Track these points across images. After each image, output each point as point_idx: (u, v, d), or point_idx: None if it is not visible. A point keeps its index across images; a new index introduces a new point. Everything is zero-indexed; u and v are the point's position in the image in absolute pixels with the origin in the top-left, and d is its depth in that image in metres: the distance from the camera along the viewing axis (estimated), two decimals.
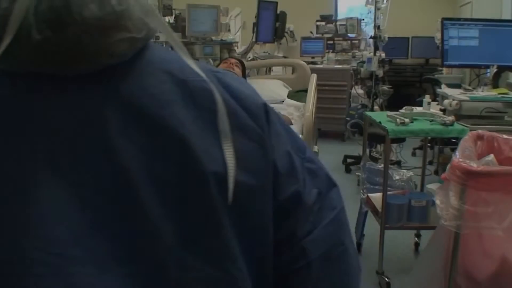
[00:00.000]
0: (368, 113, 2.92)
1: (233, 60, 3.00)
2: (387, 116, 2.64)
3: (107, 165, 0.46)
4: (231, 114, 0.53)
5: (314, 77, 2.74)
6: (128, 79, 0.49)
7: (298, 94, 2.50)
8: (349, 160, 4.89)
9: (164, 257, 0.47)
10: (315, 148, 2.73)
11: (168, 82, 0.51)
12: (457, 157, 1.78)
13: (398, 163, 4.61)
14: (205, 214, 0.50)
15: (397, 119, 2.49)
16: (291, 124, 2.56)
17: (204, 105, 0.51)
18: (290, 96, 3.03)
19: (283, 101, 2.98)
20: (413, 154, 5.15)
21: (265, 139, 0.55)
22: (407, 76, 7.12)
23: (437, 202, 1.81)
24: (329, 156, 5.44)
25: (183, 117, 0.49)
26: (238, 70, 2.92)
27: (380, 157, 4.54)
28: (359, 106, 4.79)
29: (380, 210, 2.59)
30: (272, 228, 0.56)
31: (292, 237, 0.58)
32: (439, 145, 4.18)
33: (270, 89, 3.07)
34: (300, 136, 2.32)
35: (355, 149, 4.97)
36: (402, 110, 2.64)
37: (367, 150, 4.65)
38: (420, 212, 2.52)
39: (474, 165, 1.69)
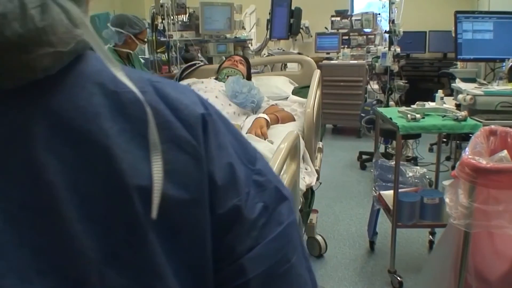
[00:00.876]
0: (380, 109, 2.86)
1: (237, 58, 2.97)
2: (398, 111, 2.59)
3: (32, 181, 0.45)
4: (164, 125, 0.51)
5: (317, 72, 2.69)
6: (56, 93, 0.48)
7: (303, 90, 2.46)
8: (364, 157, 4.83)
9: (87, 273, 0.46)
10: (320, 145, 2.69)
11: (98, 94, 0.49)
12: (467, 154, 1.73)
13: (414, 159, 4.54)
14: (129, 230, 0.48)
15: (408, 115, 2.44)
16: (294, 120, 2.52)
17: (135, 117, 0.50)
18: (295, 92, 2.99)
19: (287, 98, 2.94)
20: (430, 150, 5.07)
21: (200, 150, 0.53)
22: (424, 70, 7.01)
23: (447, 200, 1.77)
24: (344, 153, 5.40)
25: (109, 130, 0.48)
26: (242, 67, 2.89)
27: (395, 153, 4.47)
28: (374, 102, 4.73)
29: (392, 208, 2.55)
30: (210, 243, 0.54)
31: (232, 253, 0.55)
32: (456, 141, 4.10)
33: (275, 86, 3.03)
34: (299, 131, 2.28)
35: (371, 145, 4.91)
36: (414, 106, 2.59)
37: (383, 147, 4.62)
38: (433, 209, 2.47)
39: (483, 162, 1.64)
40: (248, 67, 2.96)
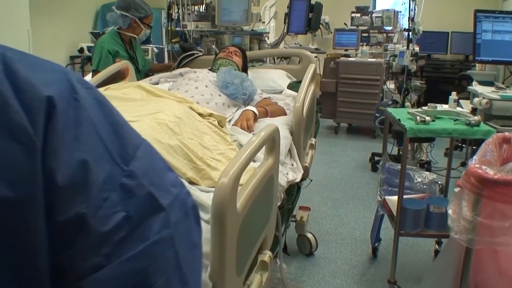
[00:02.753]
0: (390, 109, 2.73)
1: (232, 49, 2.88)
2: (408, 113, 2.45)
3: None
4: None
5: (312, 67, 2.60)
6: None
7: (299, 85, 2.37)
8: (376, 158, 4.68)
9: None
10: (312, 141, 2.61)
11: None
12: (474, 162, 1.60)
13: (428, 164, 4.38)
14: None
15: (418, 117, 2.31)
16: (285, 114, 2.43)
17: None
18: (290, 86, 2.89)
19: (282, 92, 2.84)
20: (446, 154, 4.88)
21: (36, 141, 0.43)
22: (445, 72, 6.81)
23: (449, 211, 1.64)
24: (356, 153, 5.26)
25: None
26: (237, 59, 2.80)
27: (408, 156, 4.31)
28: (390, 102, 4.58)
29: (395, 214, 2.42)
30: (45, 256, 0.44)
31: (72, 272, 0.45)
32: (472, 146, 3.93)
33: (271, 79, 2.94)
34: (287, 128, 2.19)
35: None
36: (425, 108, 2.45)
37: (396, 149, 4.46)
38: (439, 219, 2.33)
39: (491, 172, 1.51)
40: (244, 58, 2.87)
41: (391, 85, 4.87)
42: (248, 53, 3.16)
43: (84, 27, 6.67)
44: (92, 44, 6.24)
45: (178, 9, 5.02)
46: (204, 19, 5.16)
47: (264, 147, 1.53)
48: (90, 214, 0.46)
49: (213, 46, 4.88)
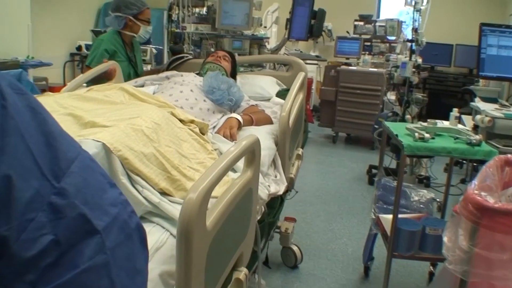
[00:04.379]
0: (388, 123, 2.60)
1: (221, 53, 2.76)
2: (407, 128, 2.33)
3: None
4: None
5: (301, 75, 2.50)
6: None
7: (288, 92, 2.27)
8: (374, 171, 4.55)
9: None
10: (299, 151, 2.50)
11: None
12: (473, 187, 1.46)
13: (427, 179, 4.25)
14: None
15: (416, 134, 2.18)
16: (271, 123, 2.33)
17: None
18: (279, 94, 2.78)
19: (270, 99, 2.73)
20: (446, 169, 4.75)
21: None
22: (448, 85, 6.67)
23: (445, 239, 1.51)
24: (354, 165, 5.13)
25: None
26: (226, 64, 2.69)
27: (406, 171, 4.18)
28: (390, 114, 4.45)
29: (389, 235, 2.29)
30: None
31: None
32: (473, 163, 3.79)
33: (259, 86, 2.83)
34: (272, 137, 2.08)
35: (384, 159, 4.64)
36: (424, 123, 2.32)
37: (396, 163, 4.33)
38: (435, 241, 2.20)
39: (491, 201, 1.38)
40: (233, 63, 2.76)
41: (392, 96, 4.75)
42: (238, 58, 3.05)
43: (85, 25, 6.57)
44: (91, 43, 6.16)
45: (179, 10, 4.93)
46: (205, 22, 5.07)
47: (243, 158, 1.42)
48: (12, 238, 0.40)
49: (212, 49, 4.78)
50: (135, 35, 3.11)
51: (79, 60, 6.18)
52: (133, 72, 3.11)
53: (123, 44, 3.10)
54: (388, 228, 2.34)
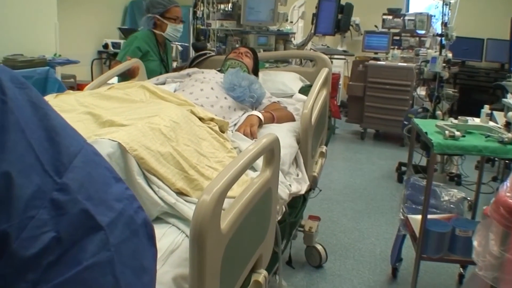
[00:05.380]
0: (417, 120, 2.51)
1: (242, 50, 2.72)
2: (436, 126, 2.24)
3: None
4: None
5: (325, 71, 2.43)
6: None
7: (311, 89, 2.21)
8: (403, 169, 4.43)
9: None
10: (323, 149, 2.44)
11: None
12: (505, 189, 1.38)
13: (458, 177, 4.12)
14: None
15: (446, 131, 2.09)
16: (293, 120, 2.27)
17: None
18: (303, 90, 2.71)
19: (292, 96, 2.67)
20: (477, 167, 4.60)
21: None
22: (480, 80, 6.46)
23: (475, 243, 1.43)
24: (383, 162, 5.02)
25: None
26: (248, 60, 2.64)
27: (437, 168, 4.06)
28: (420, 110, 4.33)
29: (418, 236, 2.21)
30: None
31: None
32: (505, 160, 3.65)
33: (282, 82, 2.77)
34: (294, 135, 2.04)
35: (414, 156, 4.51)
36: (455, 121, 2.23)
37: (426, 160, 4.20)
38: (465, 243, 2.11)
39: None
40: (255, 60, 2.71)
41: (422, 91, 4.62)
42: (261, 54, 3.00)
43: (112, 23, 6.63)
44: (119, 40, 6.22)
45: (204, 7, 4.91)
46: (230, 18, 5.04)
47: (262, 157, 1.38)
48: (13, 236, 0.40)
49: (237, 45, 4.74)
50: (162, 33, 3.10)
51: (106, 57, 6.24)
52: (164, 72, 3.12)
53: (157, 44, 3.11)
54: (416, 229, 2.26)
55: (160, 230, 1.22)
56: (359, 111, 5.90)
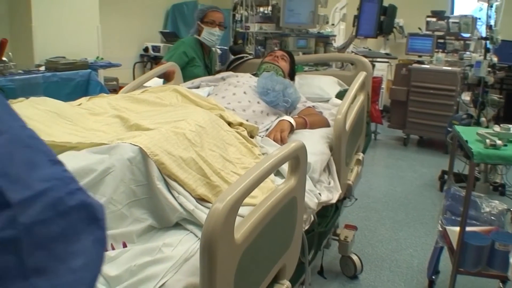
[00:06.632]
0: (458, 128, 2.41)
1: (279, 53, 2.67)
2: (477, 134, 2.13)
3: None
4: None
5: (362, 75, 2.34)
6: None
7: None
8: (446, 177, 4.26)
9: None
10: (359, 156, 2.35)
11: None
12: None
13: (502, 187, 3.93)
14: None
15: (487, 140, 1.98)
16: (328, 126, 2.20)
17: None
18: (340, 95, 2.63)
19: (328, 100, 2.60)
20: None
21: None
22: None
23: (511, 260, 1.33)
24: (425, 169, 4.86)
25: None
26: (284, 64, 2.59)
27: (480, 178, 3.89)
28: (464, 116, 4.16)
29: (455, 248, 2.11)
30: None
31: None
32: None
33: (318, 86, 2.70)
34: (326, 142, 1.98)
35: (458, 164, 4.34)
36: (497, 129, 2.11)
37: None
38: (505, 258, 1.98)
39: None
40: (292, 63, 2.66)
41: (466, 97, 4.45)
42: (299, 57, 2.95)
43: (154, 26, 6.73)
44: (159, 44, 6.31)
45: (243, 10, 4.91)
46: (268, 21, 5.02)
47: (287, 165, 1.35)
48: None
49: (276, 48, 4.71)
50: (198, 37, 3.12)
51: (147, 60, 6.34)
52: None
53: (201, 50, 3.13)
54: (454, 241, 2.16)
55: (177, 237, 1.20)
56: (402, 116, 5.73)
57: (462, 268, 2.07)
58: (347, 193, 2.11)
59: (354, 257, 2.70)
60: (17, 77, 3.39)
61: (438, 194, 4.17)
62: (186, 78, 2.83)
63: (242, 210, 1.26)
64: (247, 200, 1.31)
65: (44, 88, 3.50)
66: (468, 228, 2.10)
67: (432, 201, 3.99)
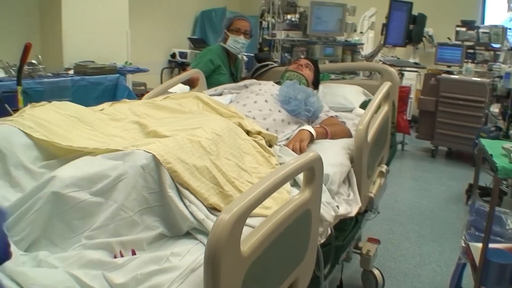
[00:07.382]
0: (483, 141, 2.35)
1: (303, 61, 2.64)
2: (503, 148, 2.07)
3: None
4: None
5: (387, 84, 2.28)
6: None
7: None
8: None
9: None
10: (383, 168, 2.30)
11: None
12: None
13: None
14: None
15: None
16: (350, 136, 2.16)
17: None
18: (364, 105, 2.58)
19: (352, 110, 2.56)
20: None
21: None
22: None
23: None
24: (453, 182, 4.74)
25: None
26: (308, 72, 2.57)
27: (507, 192, 3.77)
28: (493, 129, 4.05)
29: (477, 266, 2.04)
30: None
31: None
32: None
33: (342, 95, 2.66)
34: (347, 153, 1.94)
35: (485, 177, 4.22)
36: None
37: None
38: None
39: None
40: (316, 71, 2.63)
41: (495, 109, 4.33)
42: (324, 65, 2.93)
43: (182, 32, 6.80)
44: (186, 50, 6.37)
45: (271, 17, 4.92)
46: (295, 28, 5.02)
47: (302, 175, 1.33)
48: None
49: (302, 56, 4.70)
50: (224, 45, 3.13)
51: (175, 66, 6.41)
52: None
53: (228, 58, 3.15)
54: (477, 258, 2.09)
55: (186, 246, 1.19)
56: (431, 127, 5.61)
57: (484, 286, 2.01)
58: (368, 206, 2.06)
59: (376, 272, 2.63)
60: (46, 80, 3.46)
61: (464, 208, 4.06)
62: (212, 86, 2.83)
63: (254, 221, 1.25)
64: (259, 210, 1.30)
65: (73, 92, 3.57)
66: (491, 245, 2.03)
67: (458, 216, 3.89)
